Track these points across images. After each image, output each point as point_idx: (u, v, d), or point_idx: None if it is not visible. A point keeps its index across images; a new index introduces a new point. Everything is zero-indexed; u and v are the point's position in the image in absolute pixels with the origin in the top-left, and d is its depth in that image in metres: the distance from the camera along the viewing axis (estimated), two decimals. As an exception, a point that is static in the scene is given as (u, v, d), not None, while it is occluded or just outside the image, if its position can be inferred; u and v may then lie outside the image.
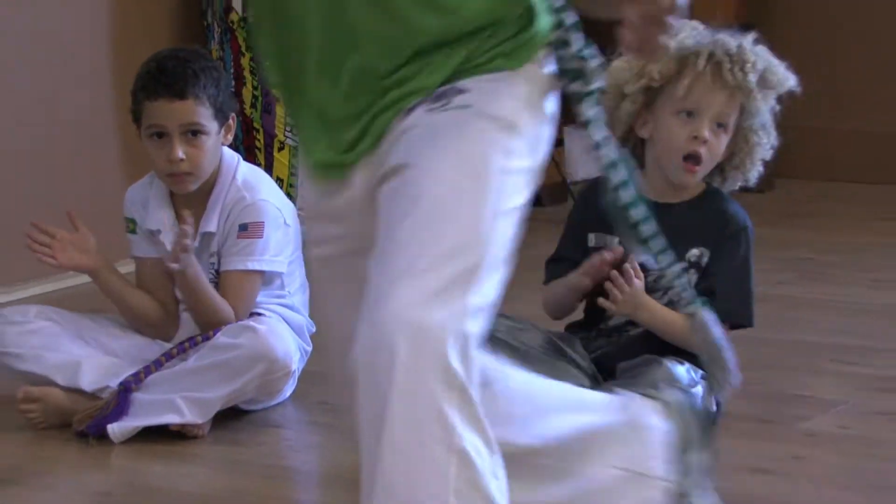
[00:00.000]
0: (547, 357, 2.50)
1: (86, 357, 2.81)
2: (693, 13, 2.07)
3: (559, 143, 4.21)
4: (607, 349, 2.49)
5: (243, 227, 2.77)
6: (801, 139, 3.94)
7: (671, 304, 2.40)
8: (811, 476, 2.34)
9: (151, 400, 2.70)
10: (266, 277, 2.80)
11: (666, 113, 2.38)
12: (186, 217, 2.70)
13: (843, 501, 2.26)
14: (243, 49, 4.00)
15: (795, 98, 2.45)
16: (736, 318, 2.41)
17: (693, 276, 2.40)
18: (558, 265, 2.56)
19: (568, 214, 2.71)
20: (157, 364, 2.76)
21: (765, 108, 2.42)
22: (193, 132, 2.77)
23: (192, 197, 2.81)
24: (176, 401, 2.67)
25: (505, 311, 2.15)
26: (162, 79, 2.81)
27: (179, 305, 2.89)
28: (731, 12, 4.19)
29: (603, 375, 2.44)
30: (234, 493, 2.59)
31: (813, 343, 3.14)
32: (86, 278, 3.16)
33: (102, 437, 2.65)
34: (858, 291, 3.54)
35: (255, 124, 4.05)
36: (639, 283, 2.38)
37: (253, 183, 2.85)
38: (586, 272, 2.48)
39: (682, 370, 2.31)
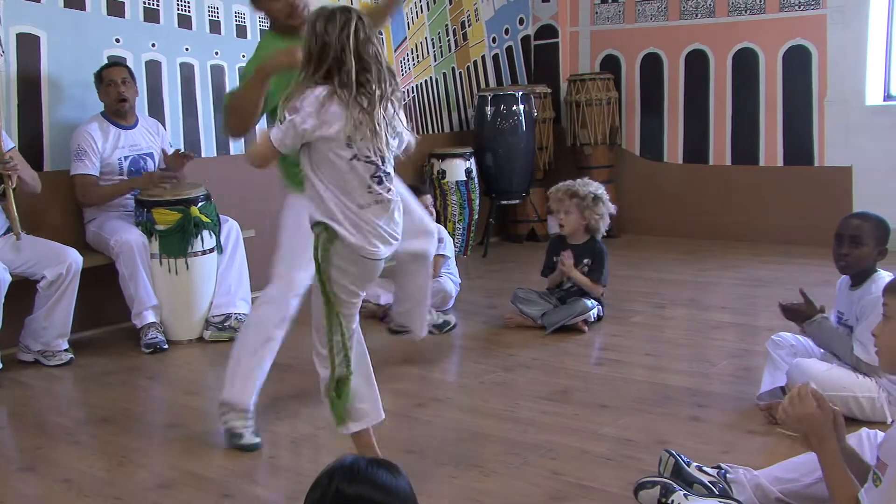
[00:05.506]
0: (540, 299, 4.89)
1: (382, 294, 5.07)
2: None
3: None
4: (562, 294, 4.95)
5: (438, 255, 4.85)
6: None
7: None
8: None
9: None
10: (444, 260, 5.20)
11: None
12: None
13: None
14: (436, 184, 6.62)
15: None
16: (603, 281, 4.91)
17: (585, 268, 4.83)
18: (546, 269, 5.05)
19: (547, 246, 5.06)
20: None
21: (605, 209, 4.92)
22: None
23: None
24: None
25: (523, 286, 4.79)
26: None
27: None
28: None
29: (560, 304, 4.85)
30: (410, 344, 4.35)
31: (634, 291, 5.52)
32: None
33: (384, 320, 4.87)
34: (652, 274, 5.99)
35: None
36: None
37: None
38: (557, 271, 4.84)
39: (589, 301, 4.82)
